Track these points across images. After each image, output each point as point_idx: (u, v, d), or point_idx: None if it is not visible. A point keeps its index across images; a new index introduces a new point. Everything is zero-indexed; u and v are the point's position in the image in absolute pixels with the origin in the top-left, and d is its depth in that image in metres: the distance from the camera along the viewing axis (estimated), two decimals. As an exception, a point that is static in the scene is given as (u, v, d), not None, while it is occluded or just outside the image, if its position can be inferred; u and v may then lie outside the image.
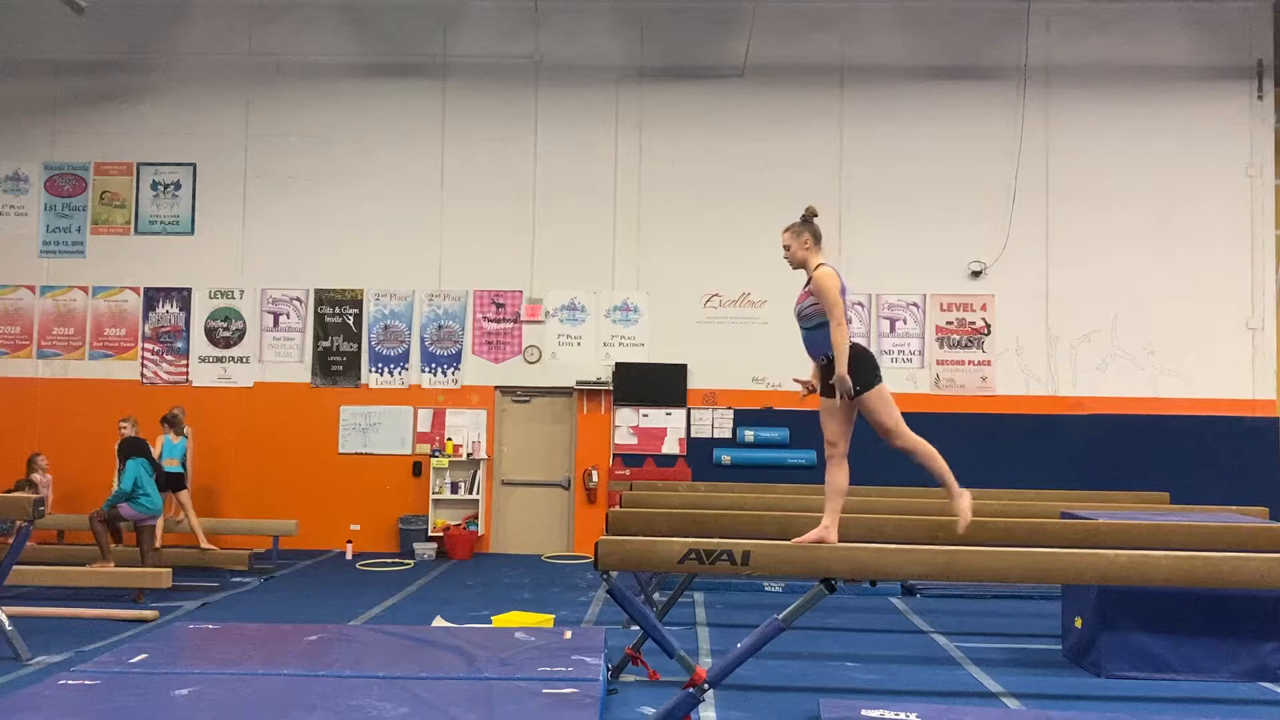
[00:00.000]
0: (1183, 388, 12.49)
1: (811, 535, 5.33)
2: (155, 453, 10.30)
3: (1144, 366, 12.58)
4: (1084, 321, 12.64)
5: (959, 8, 12.84)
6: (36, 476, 11.22)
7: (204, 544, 10.86)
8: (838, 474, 5.36)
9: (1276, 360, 12.57)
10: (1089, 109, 12.78)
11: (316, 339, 13.02)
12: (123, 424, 10.01)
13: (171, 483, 10.61)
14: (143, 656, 5.92)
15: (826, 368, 5.32)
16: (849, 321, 5.29)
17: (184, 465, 11.02)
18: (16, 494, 9.72)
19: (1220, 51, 12.74)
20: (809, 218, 5.46)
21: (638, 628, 6.39)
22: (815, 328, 5.34)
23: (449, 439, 12.75)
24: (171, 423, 10.98)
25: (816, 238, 5.40)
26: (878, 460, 11.48)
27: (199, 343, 13.06)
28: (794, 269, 5.51)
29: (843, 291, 5.28)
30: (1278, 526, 6.81)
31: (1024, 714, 5.94)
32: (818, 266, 5.37)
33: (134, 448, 9.60)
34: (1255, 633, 6.71)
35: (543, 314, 12.95)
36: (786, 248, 5.46)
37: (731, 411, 12.64)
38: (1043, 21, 12.79)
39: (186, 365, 13.04)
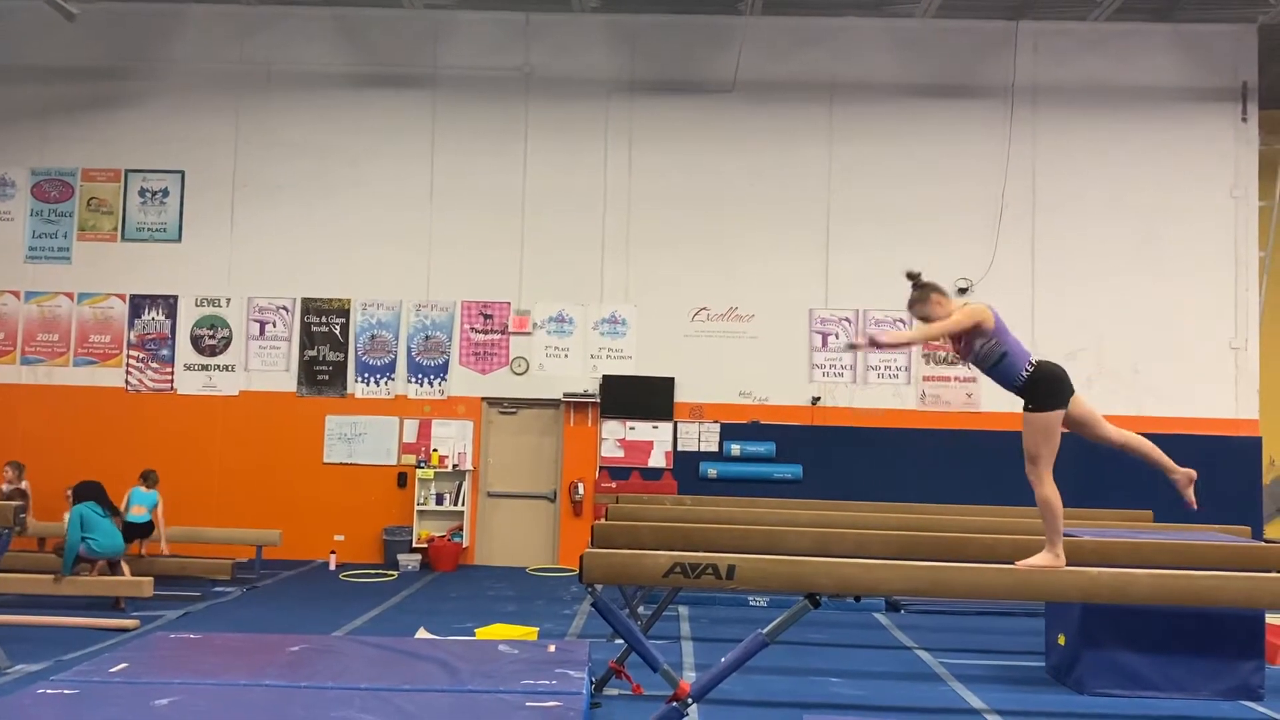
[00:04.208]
0: (1167, 407, 12.52)
1: (1038, 559, 5.41)
2: (123, 503, 9.96)
3: (1129, 385, 12.62)
4: (1069, 340, 12.64)
5: (948, 27, 12.92)
6: (8, 486, 10.96)
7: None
8: (1043, 490, 5.41)
9: (1260, 380, 12.65)
10: (1076, 129, 12.87)
11: (303, 348, 12.98)
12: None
13: (139, 532, 10.10)
14: (123, 666, 5.87)
15: (1020, 391, 5.43)
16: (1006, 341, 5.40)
17: (151, 515, 10.33)
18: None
19: (1206, 74, 12.85)
20: (917, 281, 5.56)
21: (622, 641, 6.37)
22: (995, 364, 5.43)
23: (435, 450, 12.71)
24: (145, 477, 10.59)
25: (942, 293, 5.53)
26: (863, 476, 11.62)
27: (184, 350, 12.99)
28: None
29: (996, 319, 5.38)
30: (1259, 545, 6.84)
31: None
32: (963, 307, 5.48)
33: (80, 494, 9.45)
34: (1237, 651, 6.74)
35: (530, 326, 12.95)
36: (916, 309, 5.59)
37: (718, 425, 12.63)
38: (1031, 42, 12.89)
39: (171, 373, 12.98)
